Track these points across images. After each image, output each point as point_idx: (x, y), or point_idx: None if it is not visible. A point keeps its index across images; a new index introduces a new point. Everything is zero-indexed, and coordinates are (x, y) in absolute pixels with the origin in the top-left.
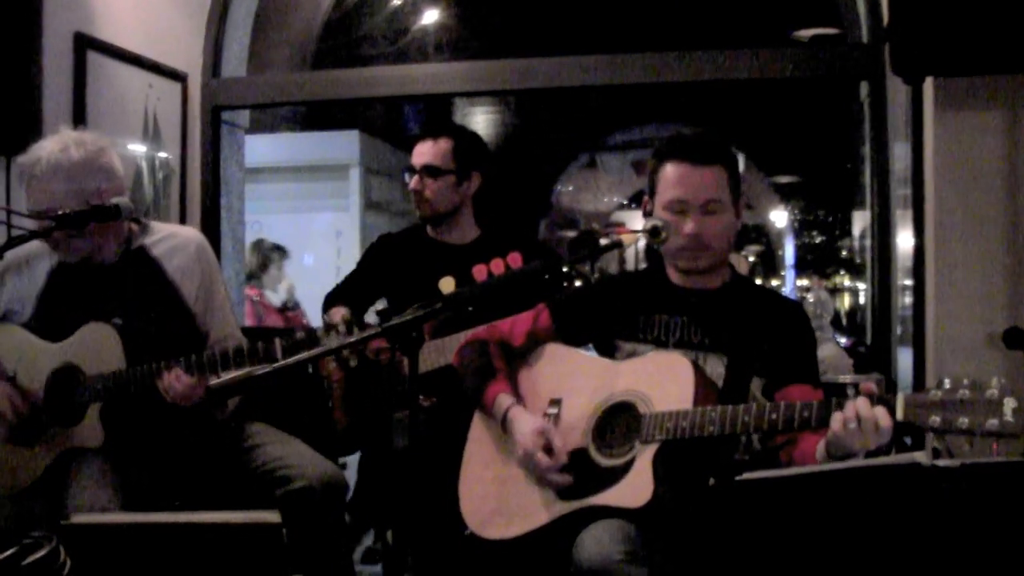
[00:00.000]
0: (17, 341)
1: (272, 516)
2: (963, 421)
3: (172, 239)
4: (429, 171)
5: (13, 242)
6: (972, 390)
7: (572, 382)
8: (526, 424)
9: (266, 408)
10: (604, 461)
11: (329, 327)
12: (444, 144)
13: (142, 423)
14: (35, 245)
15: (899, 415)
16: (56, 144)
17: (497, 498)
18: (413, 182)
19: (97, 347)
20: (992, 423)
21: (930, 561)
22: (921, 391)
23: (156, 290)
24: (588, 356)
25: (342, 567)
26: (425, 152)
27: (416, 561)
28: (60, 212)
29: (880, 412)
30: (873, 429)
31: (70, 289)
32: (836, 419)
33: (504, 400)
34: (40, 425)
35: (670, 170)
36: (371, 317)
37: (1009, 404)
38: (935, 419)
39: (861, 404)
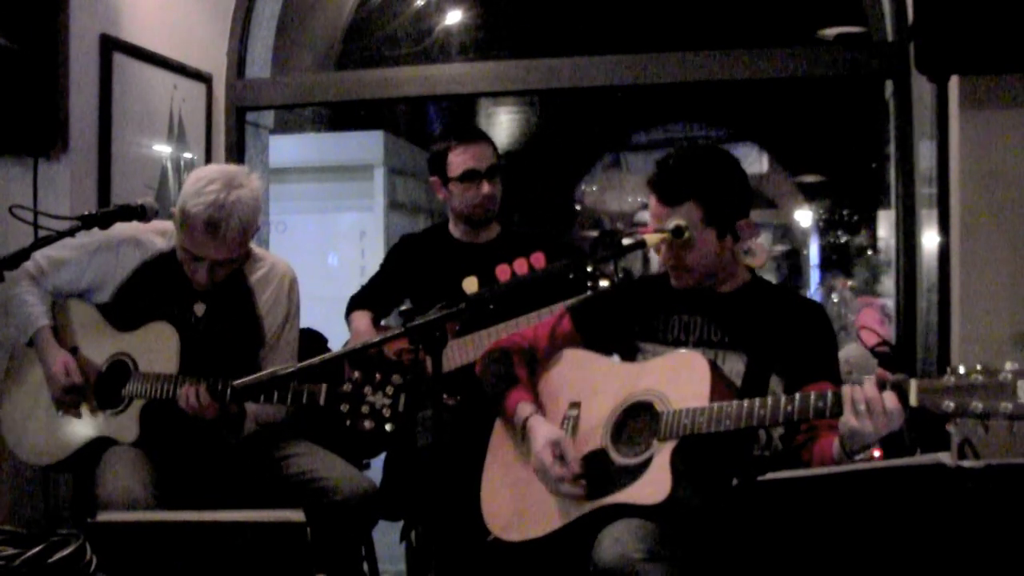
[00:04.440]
0: (87, 319)
1: (296, 515)
2: (977, 405)
3: (269, 270)
4: (493, 171)
5: (39, 243)
6: (985, 374)
7: (591, 385)
8: (541, 435)
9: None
10: (623, 460)
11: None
12: (487, 145)
13: (180, 427)
14: (126, 231)
15: (912, 400)
16: (235, 194)
17: (519, 501)
18: (488, 187)
19: (156, 346)
20: (1006, 406)
21: (954, 561)
22: (934, 376)
23: (241, 318)
24: (606, 359)
25: (366, 564)
26: (483, 154)
27: (440, 561)
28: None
29: (888, 395)
30: (882, 412)
31: (152, 288)
32: (846, 404)
33: (524, 409)
34: (87, 404)
35: (651, 201)
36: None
37: (1022, 386)
38: (948, 404)
39: (868, 387)
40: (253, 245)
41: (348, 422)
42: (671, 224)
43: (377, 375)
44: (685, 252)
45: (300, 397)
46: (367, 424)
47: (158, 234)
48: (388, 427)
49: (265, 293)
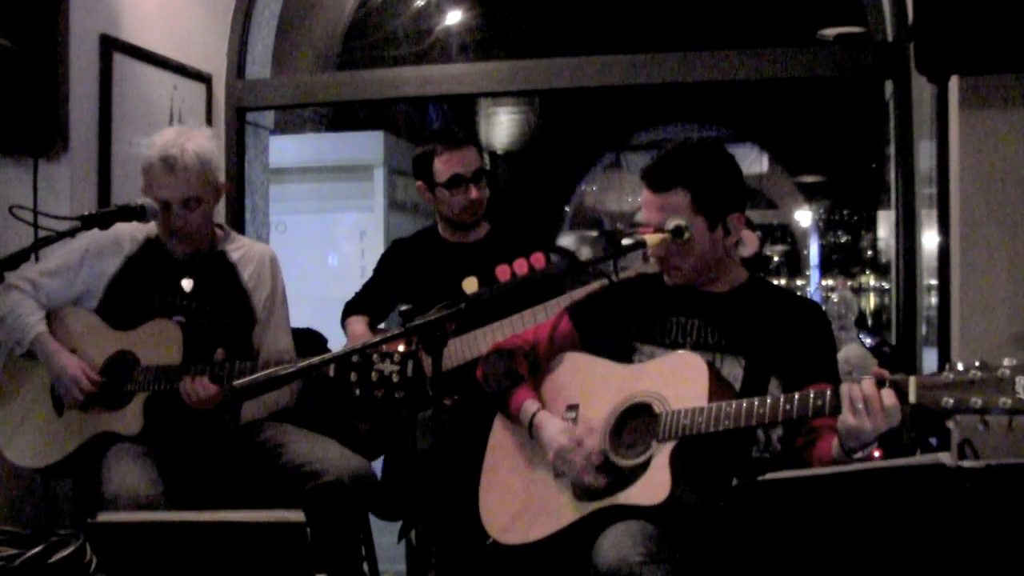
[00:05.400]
0: (84, 323)
1: (297, 515)
2: (975, 401)
3: (249, 249)
4: (479, 175)
5: (39, 243)
6: (983, 370)
7: (590, 387)
8: (554, 427)
9: (290, 416)
10: (622, 462)
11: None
12: (472, 149)
13: (182, 419)
14: (123, 230)
15: (911, 397)
16: (188, 134)
17: (517, 503)
18: (475, 192)
19: (158, 341)
20: (1004, 401)
21: (954, 561)
22: (933, 373)
23: (229, 293)
24: (605, 362)
25: (366, 564)
26: (469, 159)
27: (440, 561)
28: (196, 198)
29: (886, 392)
30: (879, 409)
31: (142, 274)
32: (844, 402)
33: (531, 406)
34: (86, 404)
35: (643, 192)
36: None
37: (1021, 382)
38: (948, 400)
39: (867, 385)
40: (232, 231)
41: (358, 391)
42: (671, 224)
43: (383, 346)
44: (674, 246)
45: (309, 371)
46: (377, 392)
47: (142, 226)
48: (398, 394)
49: (248, 269)
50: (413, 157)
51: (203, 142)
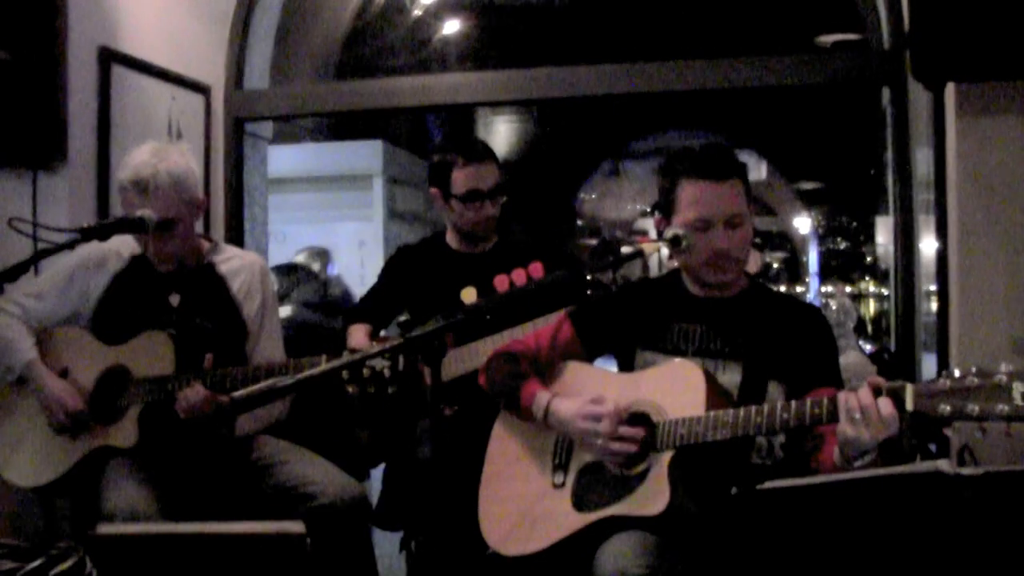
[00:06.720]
0: (75, 340)
1: (297, 526)
2: (973, 408)
3: (238, 260)
4: (496, 191)
5: (39, 256)
6: (980, 377)
7: (587, 396)
8: (572, 403)
9: (290, 424)
10: (620, 471)
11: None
12: (492, 163)
13: (178, 429)
14: (108, 247)
15: (909, 405)
16: (161, 154)
17: (516, 514)
18: (491, 208)
19: (150, 352)
20: (1002, 408)
21: (953, 570)
22: (930, 381)
23: (219, 305)
24: (602, 370)
25: None
26: (488, 174)
27: (441, 572)
28: (172, 220)
29: (883, 401)
30: (877, 419)
31: (129, 292)
32: (841, 412)
33: (543, 395)
34: (82, 421)
35: (689, 189)
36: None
37: (1018, 388)
38: (945, 407)
39: (863, 394)
40: (221, 242)
41: (351, 389)
42: (669, 233)
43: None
44: (739, 236)
45: (307, 383)
46: (370, 389)
47: (127, 243)
48: (391, 389)
49: (237, 280)
50: (430, 163)
51: (177, 161)
